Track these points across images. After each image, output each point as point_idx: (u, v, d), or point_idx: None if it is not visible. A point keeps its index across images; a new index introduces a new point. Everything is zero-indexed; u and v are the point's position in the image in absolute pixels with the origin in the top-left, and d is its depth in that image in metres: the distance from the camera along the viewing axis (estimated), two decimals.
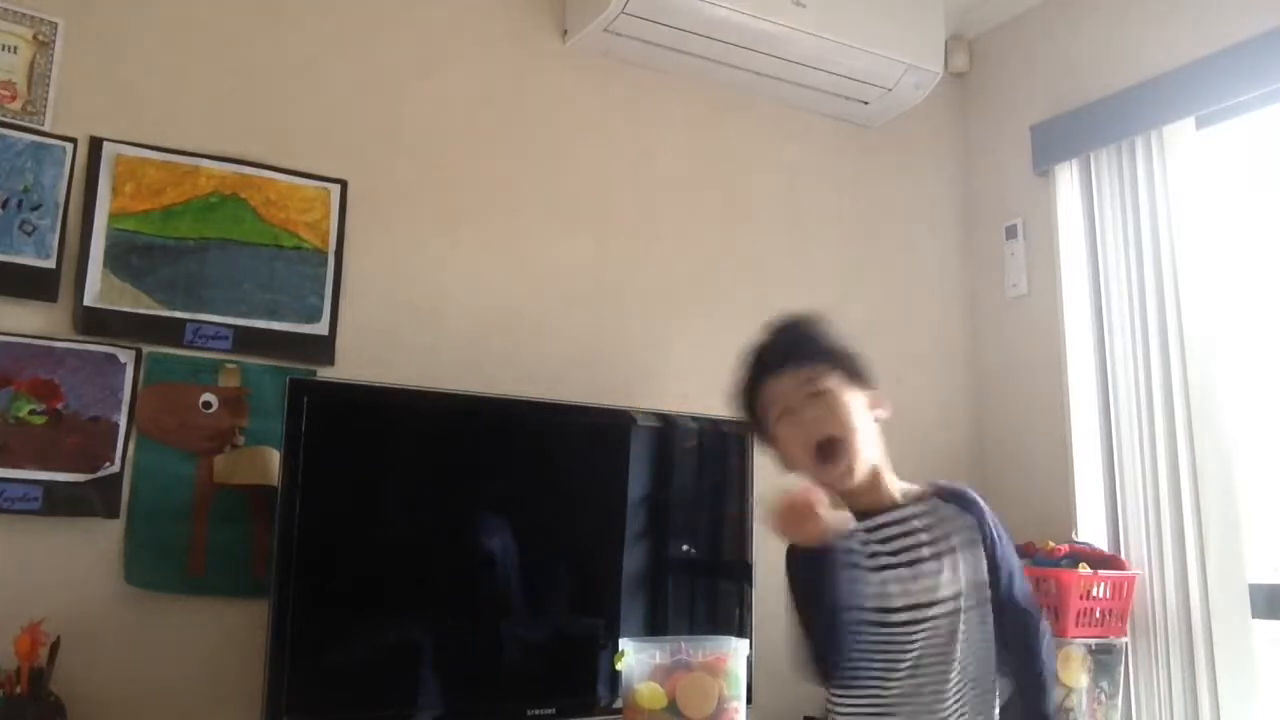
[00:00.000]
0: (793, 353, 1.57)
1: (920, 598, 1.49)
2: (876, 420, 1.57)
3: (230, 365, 2.02)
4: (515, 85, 2.44)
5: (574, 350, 2.39)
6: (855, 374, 1.57)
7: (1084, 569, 2.31)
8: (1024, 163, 2.85)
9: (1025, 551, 2.46)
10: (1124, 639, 2.35)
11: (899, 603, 1.49)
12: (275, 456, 1.93)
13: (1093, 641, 2.30)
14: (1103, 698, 2.31)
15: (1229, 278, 2.41)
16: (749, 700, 1.97)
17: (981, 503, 1.59)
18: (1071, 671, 2.26)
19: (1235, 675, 2.23)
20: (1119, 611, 2.35)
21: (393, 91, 2.29)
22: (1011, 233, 2.90)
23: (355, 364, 2.12)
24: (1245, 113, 2.41)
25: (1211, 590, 2.28)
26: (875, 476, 1.56)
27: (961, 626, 1.49)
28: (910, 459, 2.83)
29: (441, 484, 2.05)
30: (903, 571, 1.51)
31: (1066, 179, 2.72)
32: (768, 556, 2.47)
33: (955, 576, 1.51)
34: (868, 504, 1.55)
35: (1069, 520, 2.55)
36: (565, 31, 2.51)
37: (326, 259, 2.14)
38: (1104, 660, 2.32)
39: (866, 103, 2.78)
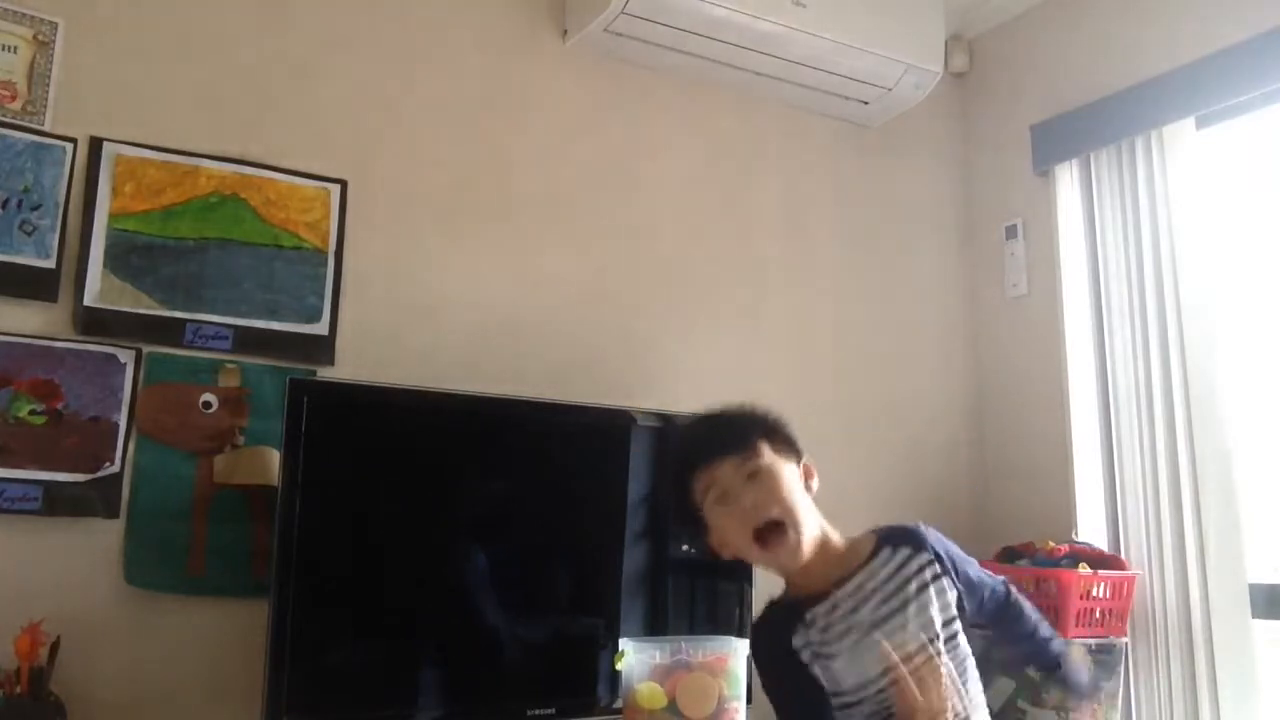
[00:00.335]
0: (725, 436, 1.54)
1: (886, 661, 1.43)
2: (809, 491, 1.55)
3: (230, 365, 2.02)
4: (515, 85, 2.44)
5: (574, 350, 2.39)
6: (786, 446, 1.55)
7: (1084, 569, 2.31)
8: (1024, 163, 2.85)
9: (1025, 551, 2.47)
10: (1124, 639, 2.35)
11: (873, 671, 1.44)
12: (275, 456, 1.93)
13: (1093, 641, 2.30)
14: (1103, 698, 2.31)
15: (1229, 278, 2.41)
16: (749, 700, 1.97)
17: (929, 534, 1.56)
18: None
19: (1235, 675, 2.24)
20: (1119, 611, 2.35)
21: (393, 91, 2.29)
22: (1011, 233, 2.90)
23: (355, 364, 2.12)
24: (1245, 113, 2.41)
25: (1211, 590, 2.28)
26: (821, 546, 1.52)
27: (943, 669, 1.44)
28: (910, 459, 2.86)
29: (441, 484, 2.05)
30: (866, 640, 1.46)
31: (1066, 179, 2.72)
32: None
33: (925, 620, 1.47)
34: (817, 579, 1.51)
35: (1069, 520, 2.56)
36: (565, 31, 2.51)
37: (326, 259, 2.14)
38: (1104, 660, 2.32)
39: (866, 103, 2.78)
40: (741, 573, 2.30)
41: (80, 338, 1.90)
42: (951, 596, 1.50)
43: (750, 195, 2.73)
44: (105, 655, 1.84)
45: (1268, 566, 2.33)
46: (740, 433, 1.53)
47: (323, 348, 2.11)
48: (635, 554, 2.20)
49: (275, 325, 2.07)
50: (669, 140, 2.63)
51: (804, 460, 1.56)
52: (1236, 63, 2.34)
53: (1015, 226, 2.89)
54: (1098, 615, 2.32)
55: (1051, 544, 2.40)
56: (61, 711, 1.71)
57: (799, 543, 1.48)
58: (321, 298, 2.12)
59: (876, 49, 2.56)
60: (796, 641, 1.50)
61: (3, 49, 1.91)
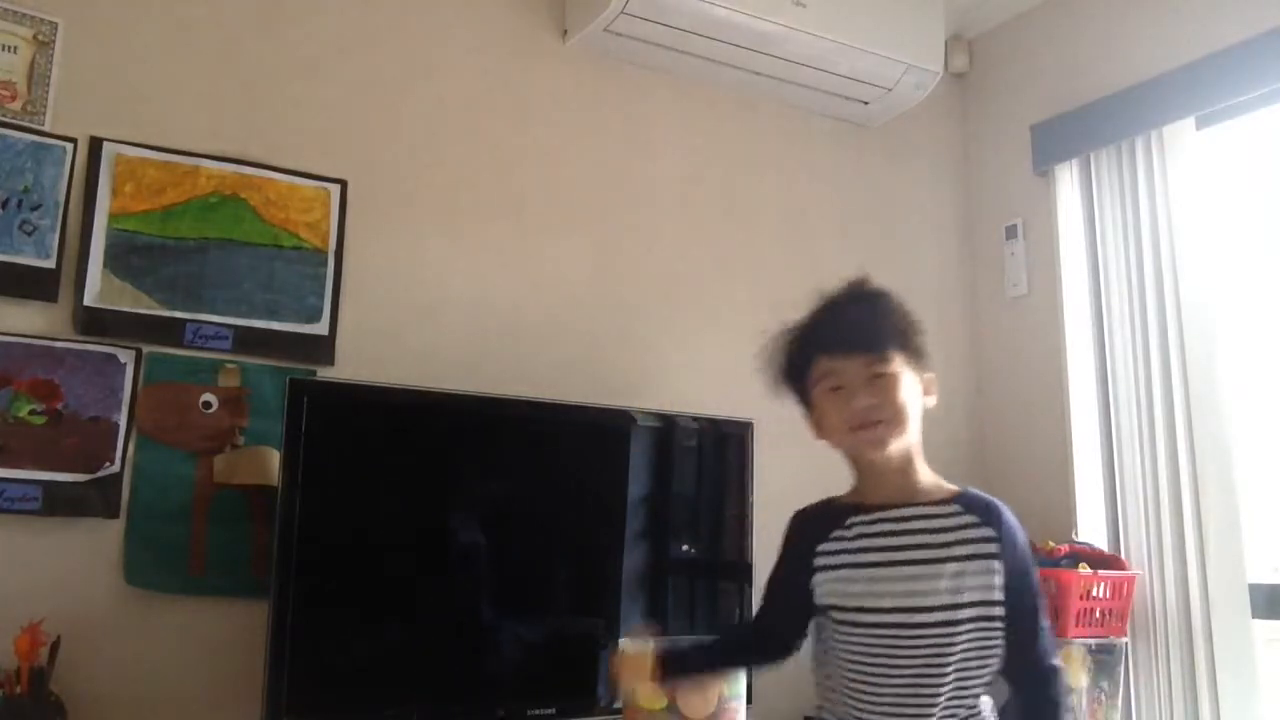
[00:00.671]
0: (860, 333, 1.51)
1: (906, 601, 1.42)
2: (924, 406, 1.53)
3: (230, 365, 2.02)
4: (515, 85, 2.44)
5: (574, 350, 2.39)
6: (915, 356, 1.53)
7: (1084, 569, 2.31)
8: (1024, 163, 2.85)
9: None
10: (1124, 639, 2.35)
11: (886, 603, 1.43)
12: (275, 456, 1.93)
13: (1093, 641, 2.30)
14: (1103, 698, 2.31)
15: (1229, 278, 2.41)
16: (749, 700, 1.97)
17: (1006, 516, 1.48)
18: (1071, 671, 2.26)
19: (1235, 675, 2.24)
20: (1119, 611, 2.35)
21: (393, 91, 2.29)
22: (1011, 233, 2.90)
23: (355, 364, 2.12)
24: (1245, 113, 2.41)
25: (1211, 590, 2.28)
26: (904, 462, 1.50)
27: (955, 641, 1.41)
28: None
29: (441, 484, 2.05)
30: (890, 571, 1.44)
31: (1066, 179, 2.72)
32: (768, 556, 2.47)
33: (954, 586, 1.42)
34: (885, 493, 1.50)
35: (1069, 520, 2.55)
36: (565, 31, 2.51)
37: (326, 259, 2.14)
38: (1104, 660, 2.32)
39: (866, 103, 2.78)
40: (741, 573, 2.30)
41: (80, 338, 1.90)
42: (998, 580, 1.43)
43: (750, 195, 2.72)
44: (105, 655, 1.84)
45: (1268, 566, 2.33)
46: (876, 333, 1.51)
47: (323, 348, 2.11)
48: (635, 554, 2.20)
49: (275, 325, 2.07)
50: (669, 140, 2.63)
51: (927, 372, 1.54)
52: (1236, 63, 2.34)
53: (1015, 226, 2.89)
54: (1098, 615, 2.32)
55: (1051, 544, 2.40)
56: (61, 711, 1.71)
57: (887, 438, 1.47)
58: (321, 298, 2.12)
59: (876, 49, 2.56)
60: (823, 546, 1.50)
61: (3, 49, 1.91)
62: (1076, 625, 2.28)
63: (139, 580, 1.88)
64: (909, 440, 1.50)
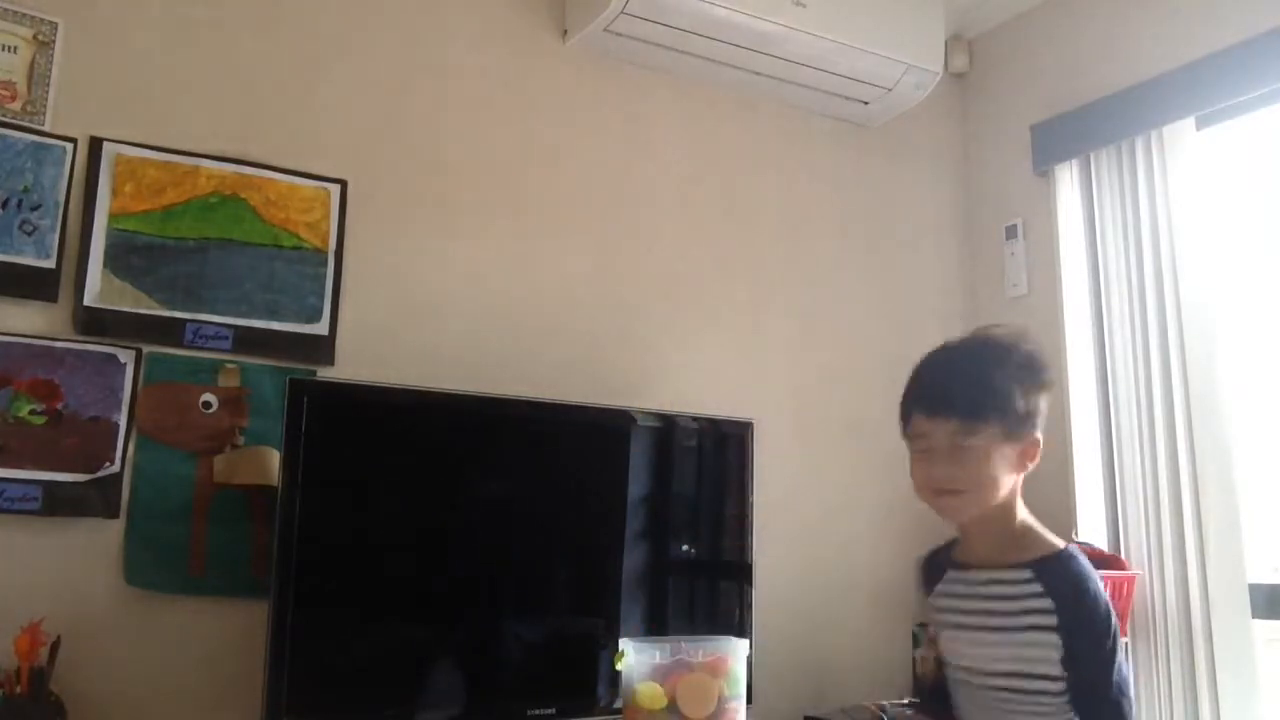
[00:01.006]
0: (956, 398, 1.43)
1: (972, 663, 1.48)
2: (1020, 469, 1.46)
3: (230, 365, 2.02)
4: (515, 85, 2.44)
5: (574, 350, 2.39)
6: (1017, 424, 1.44)
7: None
8: (1024, 163, 2.85)
9: None
10: (1124, 639, 2.35)
11: (963, 662, 1.50)
12: (275, 456, 1.93)
13: None
14: None
15: (1229, 278, 2.41)
16: (749, 700, 1.97)
17: (1068, 594, 1.42)
18: None
19: (1235, 675, 2.24)
20: (1119, 611, 2.33)
21: (393, 91, 2.29)
22: (1011, 233, 2.90)
23: (355, 364, 2.12)
24: (1245, 113, 2.41)
25: (1211, 590, 2.28)
26: (992, 524, 1.48)
27: (1017, 707, 1.43)
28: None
29: (441, 484, 2.05)
30: (960, 634, 1.50)
31: (1066, 179, 2.72)
32: (768, 556, 2.48)
33: (1017, 655, 1.42)
34: (976, 552, 1.51)
35: (1069, 520, 2.55)
36: (565, 31, 2.51)
37: (326, 259, 2.14)
38: None
39: (866, 103, 2.78)
40: (741, 573, 2.31)
41: (80, 338, 1.90)
42: (1055, 654, 1.41)
43: (750, 195, 2.73)
44: (105, 655, 1.84)
45: (1268, 566, 2.33)
46: (971, 399, 1.43)
47: (323, 348, 2.11)
48: (635, 554, 2.20)
49: (275, 325, 2.07)
50: (669, 140, 2.63)
51: (1031, 438, 1.46)
52: (1236, 63, 2.34)
53: (1015, 226, 2.89)
54: None
55: None
56: (61, 711, 1.71)
57: (964, 510, 1.47)
58: (321, 298, 2.12)
59: (876, 49, 2.56)
60: (935, 587, 1.56)
61: (3, 49, 1.91)
62: None
63: (139, 580, 1.88)
64: (988, 503, 1.45)
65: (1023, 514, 1.50)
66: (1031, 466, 1.47)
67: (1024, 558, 1.46)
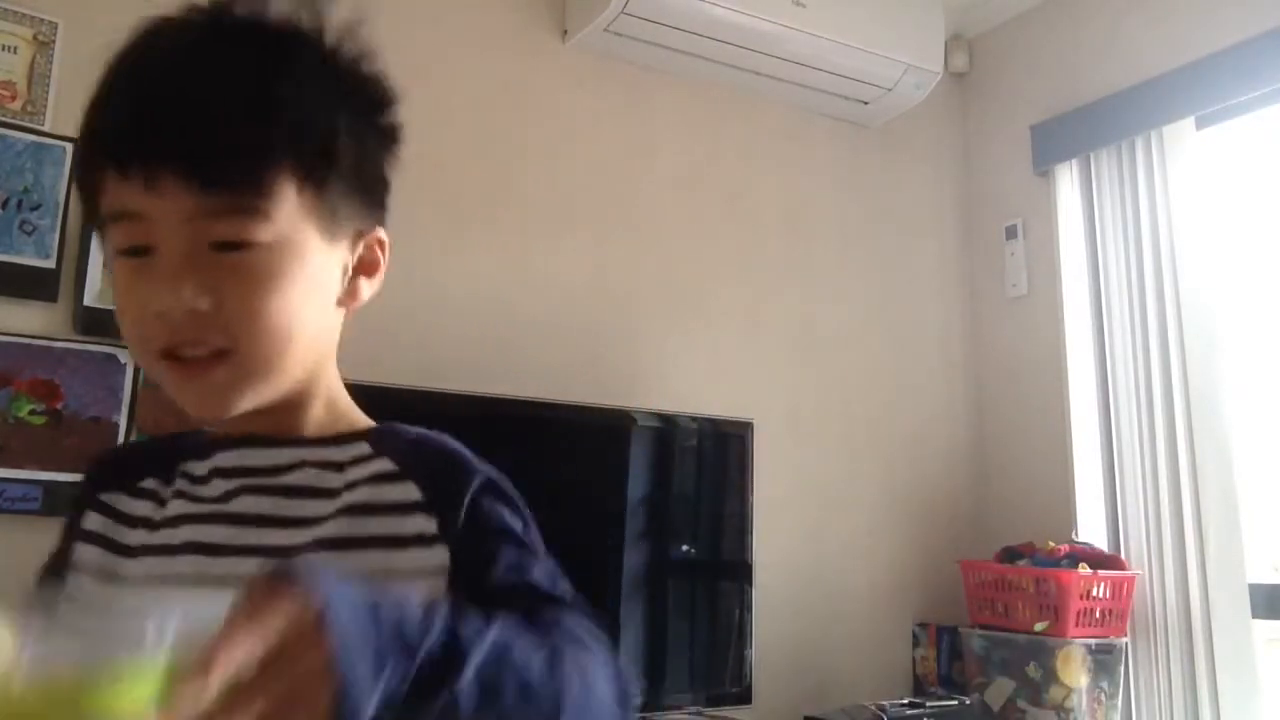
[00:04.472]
0: (207, 132, 0.73)
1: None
2: (357, 303, 0.92)
3: None
4: (515, 85, 2.44)
5: (574, 350, 2.39)
6: (351, 189, 0.85)
7: (1084, 569, 2.31)
8: (1024, 163, 2.85)
9: (1025, 551, 2.47)
10: (1124, 639, 2.35)
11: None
12: None
13: (1093, 641, 2.30)
14: (1103, 698, 2.31)
15: (1229, 278, 2.41)
16: (749, 700, 1.97)
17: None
18: (1071, 671, 2.26)
19: (1235, 675, 2.23)
20: (1119, 611, 2.35)
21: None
22: (1011, 233, 2.90)
23: (355, 364, 2.11)
24: (1245, 113, 2.41)
25: (1211, 590, 2.28)
26: (300, 413, 0.90)
27: None
28: (910, 459, 2.86)
29: None
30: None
31: (1066, 179, 2.72)
32: (768, 556, 2.48)
33: None
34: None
35: (1069, 520, 2.55)
36: (565, 31, 2.51)
37: None
38: (1104, 660, 2.32)
39: (866, 103, 2.78)
40: (741, 573, 2.30)
41: (80, 338, 1.90)
42: None
43: (750, 195, 2.72)
44: None
45: (1268, 566, 2.33)
46: (239, 132, 0.75)
47: None
48: (635, 554, 2.20)
49: None
50: (669, 140, 2.63)
51: (371, 234, 0.89)
52: (1236, 63, 2.34)
53: (1015, 226, 2.89)
54: (1098, 615, 2.32)
55: (1051, 544, 2.40)
56: None
57: (229, 393, 0.84)
58: None
59: (876, 49, 2.56)
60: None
61: (3, 49, 1.91)
62: (1076, 625, 2.28)
63: None
64: (292, 382, 0.84)
65: (337, 389, 0.92)
66: (368, 297, 0.86)
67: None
